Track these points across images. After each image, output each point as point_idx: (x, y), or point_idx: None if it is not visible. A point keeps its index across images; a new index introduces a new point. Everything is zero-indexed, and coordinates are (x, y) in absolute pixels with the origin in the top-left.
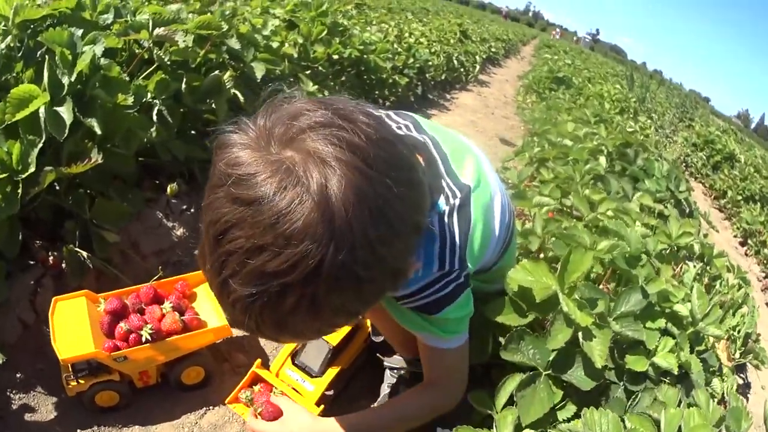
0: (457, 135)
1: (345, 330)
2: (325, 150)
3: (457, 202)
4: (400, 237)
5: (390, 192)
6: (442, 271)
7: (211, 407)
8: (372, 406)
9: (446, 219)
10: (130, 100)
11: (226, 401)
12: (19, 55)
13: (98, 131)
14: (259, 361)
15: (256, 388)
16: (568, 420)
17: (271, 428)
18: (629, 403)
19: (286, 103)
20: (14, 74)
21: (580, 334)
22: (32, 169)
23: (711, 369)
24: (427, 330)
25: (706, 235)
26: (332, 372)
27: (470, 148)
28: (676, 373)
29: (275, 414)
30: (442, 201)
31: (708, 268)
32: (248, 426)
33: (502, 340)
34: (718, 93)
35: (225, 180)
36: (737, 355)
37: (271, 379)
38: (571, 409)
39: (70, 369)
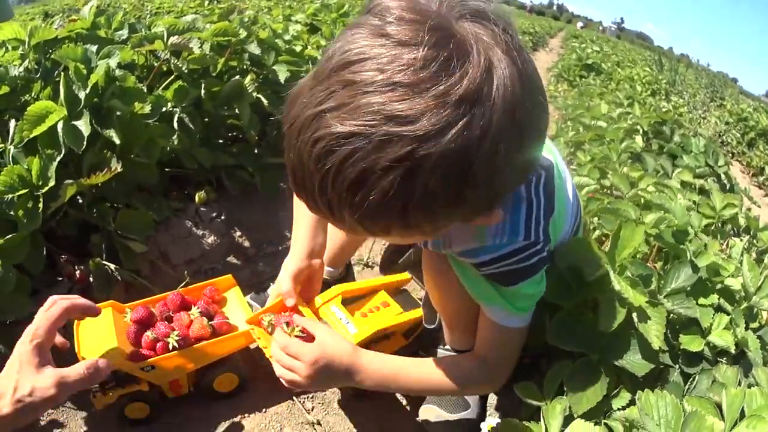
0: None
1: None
2: (499, 43)
3: (543, 174)
4: (515, 165)
5: (532, 115)
6: (527, 240)
7: (246, 415)
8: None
9: (533, 188)
10: (147, 108)
11: (246, 320)
12: (37, 76)
13: (117, 141)
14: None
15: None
16: (623, 408)
17: (305, 348)
18: (686, 386)
19: None
20: (33, 95)
21: (634, 315)
22: (52, 183)
23: (767, 347)
24: (497, 302)
25: (749, 210)
26: (381, 322)
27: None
28: (733, 351)
29: (310, 339)
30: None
31: (755, 241)
32: (276, 344)
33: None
34: (745, 73)
35: (378, 17)
36: None
37: (306, 311)
38: (626, 396)
39: None
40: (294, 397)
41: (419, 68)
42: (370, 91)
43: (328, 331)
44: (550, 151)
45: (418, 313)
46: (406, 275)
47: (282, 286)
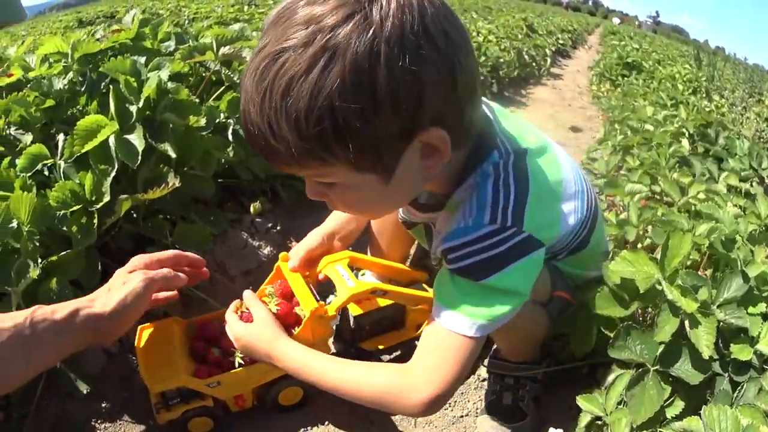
0: (536, 130)
1: None
2: None
3: (512, 157)
4: (429, 73)
5: (436, 31)
6: (493, 225)
7: (309, 427)
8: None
9: (501, 169)
10: (203, 121)
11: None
12: (82, 89)
13: (173, 155)
14: (284, 254)
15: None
16: (677, 417)
17: (237, 329)
18: (735, 394)
19: None
20: (79, 108)
21: (686, 323)
22: (107, 198)
23: None
24: (452, 306)
25: None
26: (380, 285)
27: (547, 140)
28: None
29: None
30: (496, 154)
31: None
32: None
33: (605, 335)
34: None
35: None
36: None
37: (288, 275)
38: (679, 405)
39: (161, 397)
40: (356, 410)
41: None
42: (296, 15)
43: (261, 318)
44: (538, 142)
45: (423, 293)
46: (424, 274)
47: (294, 251)
